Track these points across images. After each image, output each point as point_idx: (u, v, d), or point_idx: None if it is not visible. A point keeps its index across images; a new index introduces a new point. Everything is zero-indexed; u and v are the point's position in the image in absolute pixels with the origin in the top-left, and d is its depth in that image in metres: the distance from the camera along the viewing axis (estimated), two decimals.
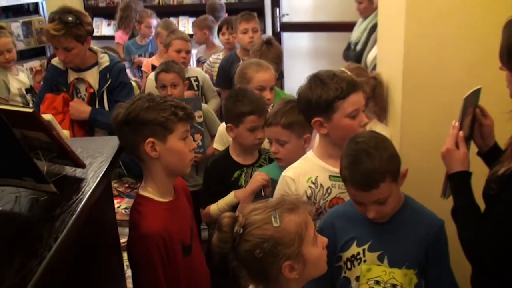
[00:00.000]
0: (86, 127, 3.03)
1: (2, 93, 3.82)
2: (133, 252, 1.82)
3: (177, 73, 3.30)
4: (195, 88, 3.82)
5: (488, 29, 2.19)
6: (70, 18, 2.87)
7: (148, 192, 1.86)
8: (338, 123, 2.00)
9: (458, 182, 1.79)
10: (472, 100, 1.88)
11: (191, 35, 4.57)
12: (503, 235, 1.60)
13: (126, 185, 2.87)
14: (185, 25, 6.00)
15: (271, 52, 3.30)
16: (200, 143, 3.04)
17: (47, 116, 1.81)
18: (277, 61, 3.26)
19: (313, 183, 2.09)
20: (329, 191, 2.08)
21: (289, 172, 2.13)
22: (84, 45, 2.98)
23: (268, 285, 1.50)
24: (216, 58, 4.37)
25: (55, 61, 3.11)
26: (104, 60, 3.07)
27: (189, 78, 3.78)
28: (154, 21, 5.02)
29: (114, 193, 2.73)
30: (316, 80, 2.03)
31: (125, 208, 2.60)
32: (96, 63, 3.07)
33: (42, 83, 3.42)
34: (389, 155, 1.75)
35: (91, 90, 3.03)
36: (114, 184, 2.84)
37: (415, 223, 1.86)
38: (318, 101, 1.99)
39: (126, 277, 2.12)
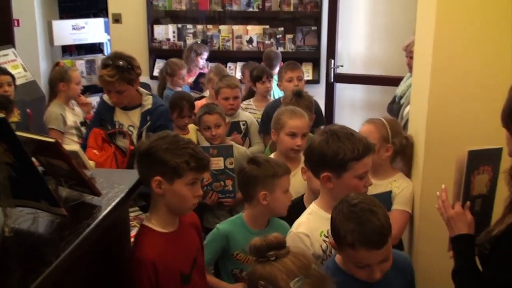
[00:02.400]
0: (128, 160, 3.24)
1: (59, 126, 4.11)
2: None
3: (219, 113, 3.49)
4: (243, 131, 3.98)
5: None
6: (121, 63, 3.12)
7: (151, 223, 1.99)
8: (347, 182, 2.05)
9: (463, 244, 1.81)
10: (490, 158, 1.89)
11: None
12: None
13: None
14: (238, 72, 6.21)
15: (301, 104, 3.39)
16: (231, 188, 3.16)
17: (74, 147, 2.00)
18: (309, 111, 3.36)
19: (326, 237, 2.11)
20: None
21: (301, 228, 2.14)
22: (134, 86, 3.22)
23: None
24: (248, 104, 4.51)
25: (105, 96, 3.36)
26: (148, 102, 3.31)
27: (238, 122, 3.97)
28: (185, 71, 5.11)
29: None
30: (334, 136, 2.08)
31: None
32: (140, 104, 3.29)
33: (93, 116, 3.69)
34: (385, 212, 1.81)
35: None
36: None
37: (395, 270, 1.89)
38: (333, 158, 2.05)
39: None
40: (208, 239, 2.44)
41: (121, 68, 3.11)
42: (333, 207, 1.87)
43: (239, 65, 6.26)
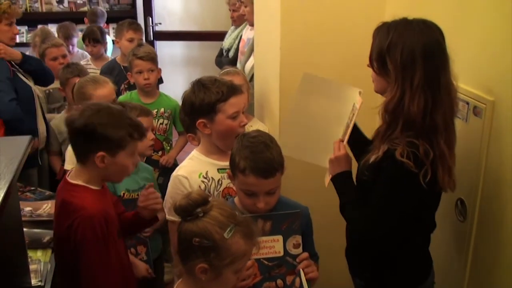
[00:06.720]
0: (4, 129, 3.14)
1: None
2: (80, 233, 1.84)
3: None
4: None
5: (354, 36, 2.53)
6: None
7: (81, 181, 1.93)
8: (221, 124, 2.18)
9: (342, 181, 2.03)
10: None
11: None
12: (383, 218, 1.85)
13: None
14: (55, 33, 5.89)
15: (143, 50, 3.46)
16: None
17: None
18: (153, 62, 3.44)
19: (205, 178, 2.25)
20: (220, 182, 2.26)
21: (181, 171, 2.26)
22: None
23: (183, 267, 1.65)
24: (86, 63, 4.43)
25: None
26: None
27: None
28: None
29: None
30: (199, 84, 2.22)
31: None
32: None
33: None
34: (279, 150, 1.97)
35: None
36: None
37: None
38: (201, 104, 2.18)
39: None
40: None
41: None
42: (236, 140, 2.00)
43: (51, 27, 5.95)
